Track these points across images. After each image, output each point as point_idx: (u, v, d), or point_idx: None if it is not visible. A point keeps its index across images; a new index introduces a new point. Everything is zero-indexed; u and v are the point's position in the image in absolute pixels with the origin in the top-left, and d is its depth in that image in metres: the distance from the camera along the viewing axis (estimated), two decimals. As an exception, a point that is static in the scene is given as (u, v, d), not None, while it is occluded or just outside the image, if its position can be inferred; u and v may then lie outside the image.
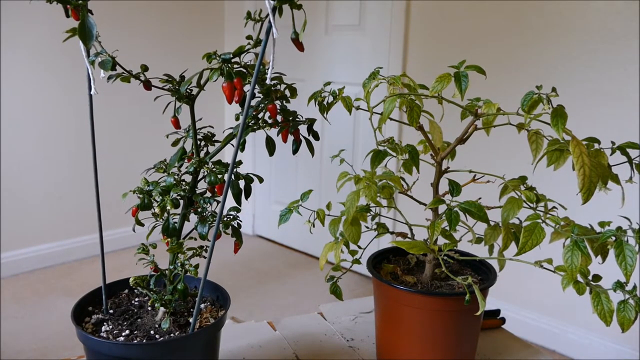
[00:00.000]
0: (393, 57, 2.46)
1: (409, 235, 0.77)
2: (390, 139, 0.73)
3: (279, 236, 3.15)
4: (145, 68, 0.64)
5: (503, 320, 0.94)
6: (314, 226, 0.71)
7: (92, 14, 0.53)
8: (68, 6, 0.53)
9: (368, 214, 0.74)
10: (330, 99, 0.73)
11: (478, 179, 0.72)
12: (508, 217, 0.63)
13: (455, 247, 0.71)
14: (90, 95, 0.62)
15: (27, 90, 2.56)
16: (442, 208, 0.67)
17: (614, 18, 1.82)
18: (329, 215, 0.72)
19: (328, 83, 0.75)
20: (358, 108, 0.73)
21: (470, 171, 0.73)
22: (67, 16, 0.54)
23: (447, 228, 0.66)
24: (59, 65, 2.59)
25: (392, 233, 0.77)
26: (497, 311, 0.94)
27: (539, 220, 0.60)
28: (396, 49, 2.44)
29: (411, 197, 0.74)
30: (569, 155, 0.59)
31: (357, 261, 0.75)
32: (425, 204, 0.71)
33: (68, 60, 2.56)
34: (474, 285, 0.65)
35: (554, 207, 0.67)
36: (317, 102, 0.74)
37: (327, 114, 0.74)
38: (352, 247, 0.73)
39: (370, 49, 2.57)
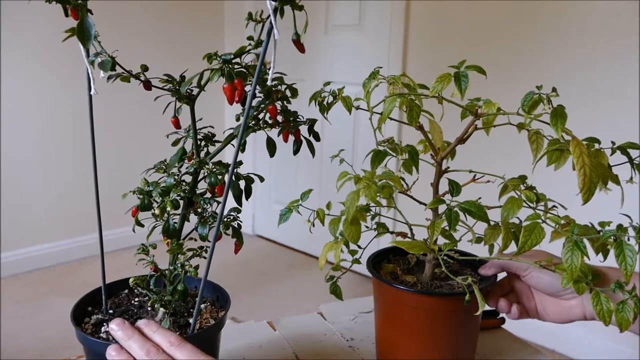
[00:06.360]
0: (393, 57, 2.46)
1: (409, 235, 0.77)
2: (390, 139, 0.73)
3: (279, 236, 3.15)
4: (145, 68, 0.64)
5: (503, 320, 0.94)
6: (313, 226, 0.71)
7: (92, 14, 0.53)
8: (67, 6, 0.53)
9: (368, 214, 0.74)
10: (330, 99, 0.73)
11: (478, 178, 0.72)
12: (508, 216, 0.63)
13: (455, 247, 0.71)
14: (90, 96, 0.62)
15: (27, 89, 2.56)
16: (442, 208, 0.67)
17: (614, 18, 1.82)
18: (328, 215, 0.72)
19: (328, 83, 0.75)
20: (358, 108, 0.73)
21: (470, 171, 0.73)
22: (67, 15, 0.54)
23: (447, 228, 0.66)
24: (59, 64, 2.59)
25: (392, 233, 0.77)
26: (497, 311, 0.94)
27: (539, 220, 0.60)
28: (396, 49, 2.44)
29: (411, 197, 0.74)
30: (569, 155, 0.59)
31: (357, 261, 0.75)
32: (425, 204, 0.71)
33: (68, 59, 2.56)
34: (474, 285, 0.65)
35: (554, 206, 0.67)
36: (317, 102, 0.74)
37: (327, 114, 0.74)
38: (352, 246, 0.73)
39: (370, 48, 2.57)
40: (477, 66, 0.64)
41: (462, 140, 0.69)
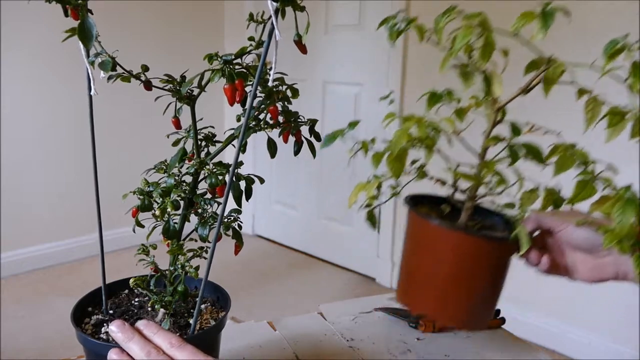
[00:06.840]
0: (393, 57, 2.46)
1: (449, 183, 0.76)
2: (465, 64, 0.72)
3: (279, 236, 3.15)
4: (145, 68, 0.64)
5: (503, 320, 0.94)
6: (354, 156, 0.70)
7: (92, 14, 0.53)
8: (67, 6, 0.53)
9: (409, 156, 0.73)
10: (402, 26, 0.73)
11: (536, 130, 0.72)
12: (561, 169, 0.63)
13: (507, 186, 0.70)
14: (90, 96, 0.62)
15: (28, 89, 2.56)
16: (489, 156, 0.68)
17: (614, 18, 1.82)
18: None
19: (400, 11, 0.74)
20: (429, 39, 0.73)
21: (528, 122, 0.72)
22: (66, 15, 0.54)
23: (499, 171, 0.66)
24: (60, 64, 2.59)
25: (431, 178, 0.76)
26: (497, 311, 0.94)
27: (590, 178, 0.61)
28: (396, 49, 2.44)
29: (460, 141, 0.73)
30: (629, 123, 0.59)
31: (397, 193, 0.74)
32: (475, 149, 0.70)
33: (69, 59, 2.56)
34: (520, 225, 0.65)
35: (602, 171, 0.67)
36: (387, 28, 0.74)
37: (395, 40, 0.74)
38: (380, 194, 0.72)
39: (370, 48, 2.57)
40: (562, 9, 0.64)
41: (525, 90, 0.69)
